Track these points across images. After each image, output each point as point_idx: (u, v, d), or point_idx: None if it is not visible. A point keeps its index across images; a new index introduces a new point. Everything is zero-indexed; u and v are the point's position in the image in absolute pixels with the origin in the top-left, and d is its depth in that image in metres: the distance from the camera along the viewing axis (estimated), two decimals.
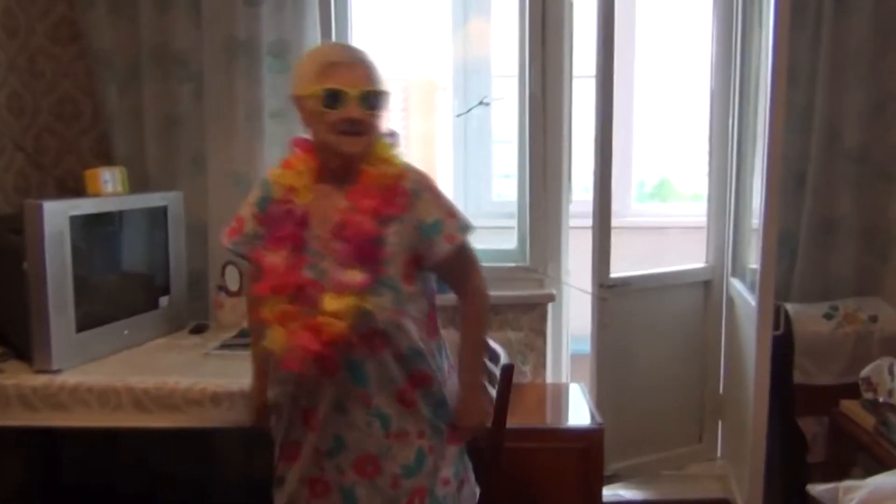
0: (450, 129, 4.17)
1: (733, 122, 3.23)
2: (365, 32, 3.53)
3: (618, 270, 3.11)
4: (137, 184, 2.97)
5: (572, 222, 3.32)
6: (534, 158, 3.21)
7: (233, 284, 3.01)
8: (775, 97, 2.53)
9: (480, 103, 3.96)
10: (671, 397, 3.36)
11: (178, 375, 2.38)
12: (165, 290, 2.86)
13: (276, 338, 1.74)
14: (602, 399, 3.05)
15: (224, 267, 3.02)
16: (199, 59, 3.01)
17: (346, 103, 1.70)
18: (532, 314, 3.20)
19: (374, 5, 3.87)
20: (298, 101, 1.77)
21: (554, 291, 3.22)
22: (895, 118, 3.07)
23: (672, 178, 5.26)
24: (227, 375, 2.40)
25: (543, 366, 3.30)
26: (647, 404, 3.28)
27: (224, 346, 2.73)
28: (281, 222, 1.74)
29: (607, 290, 3.03)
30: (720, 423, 3.44)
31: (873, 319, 2.89)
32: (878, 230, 3.11)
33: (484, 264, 3.17)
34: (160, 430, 2.34)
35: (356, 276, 1.71)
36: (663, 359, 3.32)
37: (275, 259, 1.73)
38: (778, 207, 2.62)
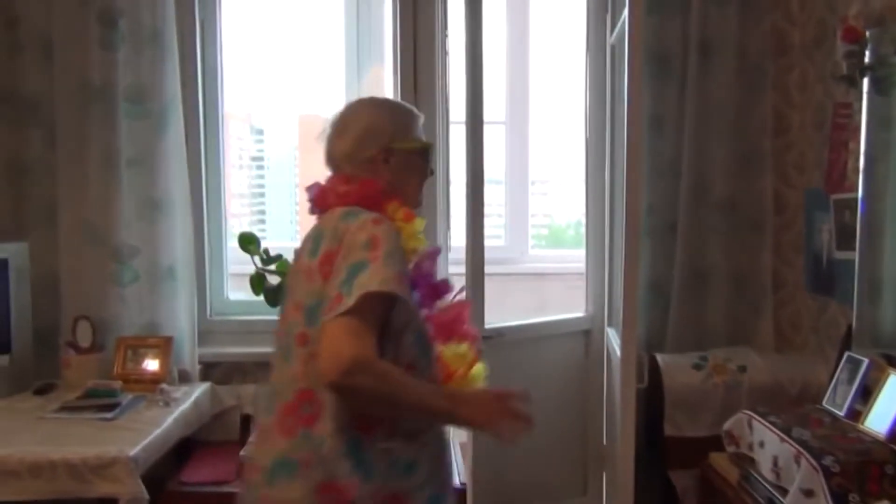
0: None
1: (611, 172, 3.22)
2: (236, 74, 3.45)
3: (514, 318, 3.04)
4: None
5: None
6: None
7: (84, 340, 2.84)
8: (632, 146, 2.50)
9: None
10: (553, 449, 3.27)
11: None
12: (6, 348, 2.67)
13: (478, 374, 1.70)
14: (480, 453, 2.93)
15: (75, 322, 2.85)
16: (50, 103, 2.87)
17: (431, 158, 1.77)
18: None
19: (249, 46, 3.79)
20: (395, 153, 1.66)
21: None
22: (762, 170, 3.09)
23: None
24: (54, 443, 2.23)
25: None
26: (529, 457, 3.17)
27: (64, 409, 2.55)
28: (429, 277, 1.70)
29: (482, 342, 2.94)
30: (604, 474, 3.37)
31: (742, 370, 2.85)
32: (748, 279, 3.11)
33: None
34: None
35: None
36: (544, 410, 3.18)
37: (451, 314, 1.72)
38: (636, 257, 2.56)
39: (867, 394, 2.33)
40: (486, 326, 2.96)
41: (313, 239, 1.56)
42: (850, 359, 2.47)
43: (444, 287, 1.69)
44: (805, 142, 3.00)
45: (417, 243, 1.61)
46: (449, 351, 1.66)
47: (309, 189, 1.68)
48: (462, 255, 3.11)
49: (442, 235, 3.24)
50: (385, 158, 1.64)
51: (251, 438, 1.68)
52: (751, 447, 2.44)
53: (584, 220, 3.44)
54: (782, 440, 2.25)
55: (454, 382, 1.62)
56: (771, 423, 2.37)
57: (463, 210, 2.92)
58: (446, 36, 3.18)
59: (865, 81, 2.50)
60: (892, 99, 2.45)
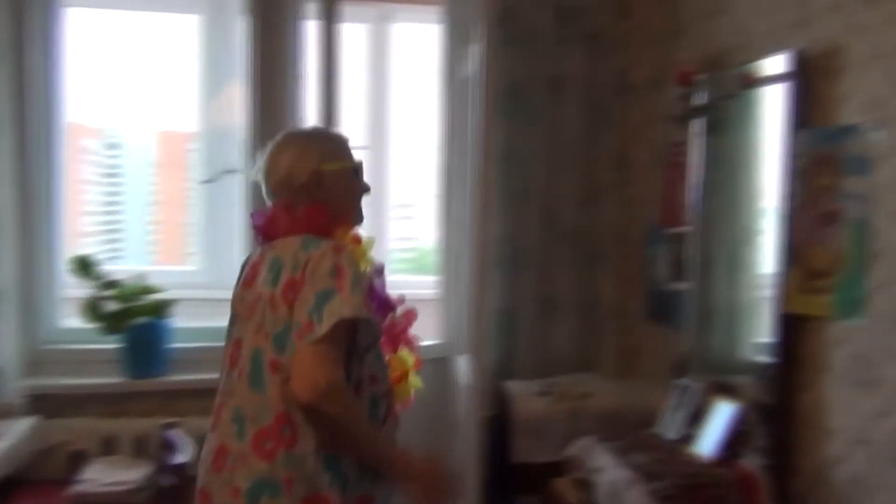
0: (198, 194, 3.94)
1: (466, 200, 3.24)
2: (90, 87, 3.30)
3: None
4: None
5: None
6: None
7: None
8: (481, 176, 2.55)
9: (225, 172, 3.77)
10: None
11: None
12: None
13: (414, 384, 1.91)
14: None
15: None
16: None
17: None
18: None
19: (104, 60, 3.64)
20: (326, 175, 1.75)
21: None
22: (606, 203, 3.22)
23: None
24: None
25: None
26: None
27: None
28: (380, 294, 1.82)
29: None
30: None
31: (586, 396, 2.94)
32: (592, 308, 3.23)
33: (199, 345, 3.01)
34: None
35: None
36: (400, 440, 3.20)
37: (403, 322, 1.89)
38: (484, 285, 2.62)
39: (698, 418, 2.45)
40: None
41: (270, 268, 1.64)
42: (682, 385, 2.59)
43: (394, 300, 1.83)
44: (645, 177, 3.15)
45: (367, 263, 1.76)
46: (394, 358, 1.84)
47: (253, 217, 1.77)
48: None
49: None
50: (317, 182, 1.72)
51: (201, 466, 1.68)
52: (592, 472, 2.51)
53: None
54: (618, 465, 2.33)
55: (395, 385, 1.78)
56: (609, 448, 2.45)
57: None
58: (303, 59, 3.15)
59: (696, 122, 2.66)
60: (722, 139, 2.61)
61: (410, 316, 1.89)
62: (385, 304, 1.81)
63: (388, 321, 1.82)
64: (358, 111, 4.57)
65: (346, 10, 2.87)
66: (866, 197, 2.03)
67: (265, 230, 1.74)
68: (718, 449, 2.30)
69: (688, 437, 2.44)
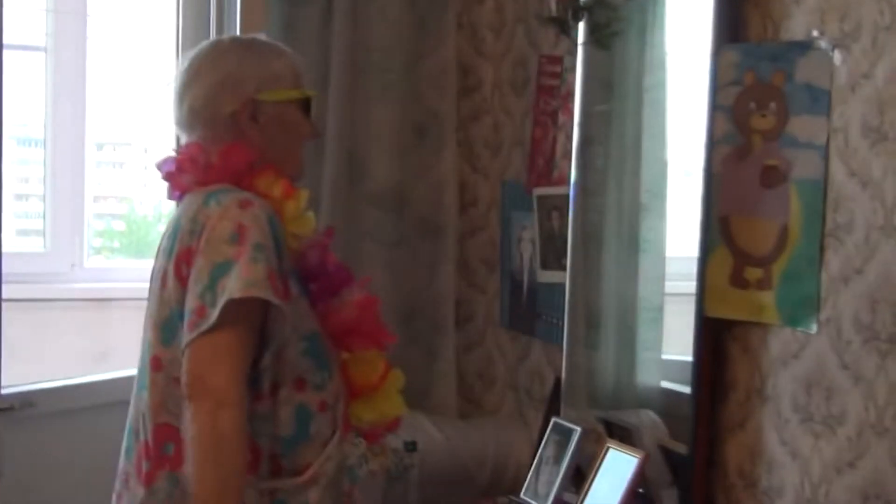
0: None
1: None
2: None
3: (58, 375, 3.07)
4: None
5: None
6: None
7: None
8: None
9: None
10: None
11: None
12: None
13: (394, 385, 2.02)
14: None
15: None
16: None
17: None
18: None
19: None
20: (264, 106, 1.91)
21: None
22: (441, 147, 3.26)
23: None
24: None
25: None
26: None
27: None
28: (322, 266, 1.96)
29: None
30: None
31: (411, 448, 2.91)
32: (421, 309, 3.26)
33: None
34: None
35: None
36: None
37: (353, 313, 1.96)
38: None
39: (582, 476, 2.50)
40: (4, 391, 2.82)
41: (169, 234, 1.84)
42: (556, 427, 2.64)
43: (342, 276, 1.96)
44: (501, 109, 3.18)
45: (301, 227, 1.90)
46: (353, 359, 1.96)
47: (160, 165, 1.94)
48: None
49: None
50: (251, 115, 1.90)
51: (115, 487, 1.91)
52: None
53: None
54: None
55: (364, 398, 1.95)
56: None
57: None
58: None
59: (581, 27, 2.69)
60: (614, 55, 2.67)
61: (370, 303, 1.99)
62: (330, 281, 1.94)
63: (339, 305, 1.93)
64: None
65: None
66: (823, 146, 2.13)
67: (173, 181, 1.91)
68: None
69: None
